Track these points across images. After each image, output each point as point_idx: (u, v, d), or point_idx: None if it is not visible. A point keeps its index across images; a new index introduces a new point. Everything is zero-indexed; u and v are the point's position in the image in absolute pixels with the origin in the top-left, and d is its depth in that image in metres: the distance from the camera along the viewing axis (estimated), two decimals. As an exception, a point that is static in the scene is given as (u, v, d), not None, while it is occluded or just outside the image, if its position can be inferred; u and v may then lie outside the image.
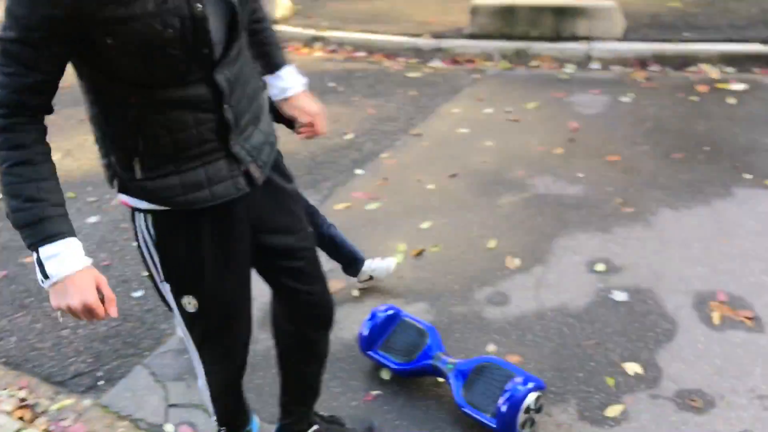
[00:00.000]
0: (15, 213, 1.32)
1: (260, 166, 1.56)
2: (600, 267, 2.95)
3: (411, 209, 3.55)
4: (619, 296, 2.77)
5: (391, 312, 2.48)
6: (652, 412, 2.23)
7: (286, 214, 1.73)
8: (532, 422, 2.15)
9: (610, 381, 2.37)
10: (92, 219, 3.67)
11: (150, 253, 1.57)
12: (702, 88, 4.68)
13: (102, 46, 1.28)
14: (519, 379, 2.13)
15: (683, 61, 5.15)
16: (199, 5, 1.31)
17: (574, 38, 5.56)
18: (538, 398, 2.13)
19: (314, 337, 1.91)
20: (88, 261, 1.36)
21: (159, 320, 2.86)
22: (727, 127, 4.09)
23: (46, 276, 1.32)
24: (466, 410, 2.18)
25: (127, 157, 1.44)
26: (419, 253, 3.17)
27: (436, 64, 5.81)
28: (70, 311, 1.34)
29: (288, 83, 1.84)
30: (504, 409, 2.07)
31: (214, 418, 1.91)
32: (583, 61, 5.42)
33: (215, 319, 1.66)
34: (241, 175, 1.52)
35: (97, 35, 1.27)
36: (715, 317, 2.60)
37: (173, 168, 1.44)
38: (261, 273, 1.78)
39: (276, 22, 6.64)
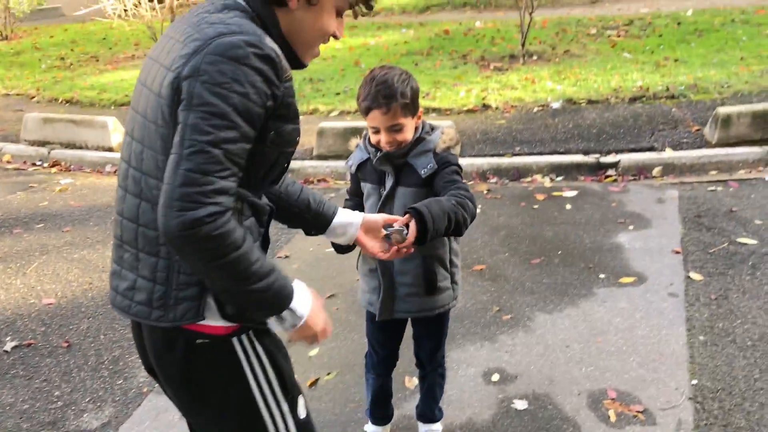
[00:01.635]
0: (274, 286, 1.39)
1: None
2: (495, 377, 3.01)
3: (295, 336, 3.43)
4: (520, 405, 2.83)
5: None
6: None
7: None
8: None
9: (534, 494, 2.38)
10: None
11: (265, 375, 1.48)
12: (540, 197, 5.10)
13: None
14: None
15: (518, 173, 5.61)
16: None
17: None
18: None
19: None
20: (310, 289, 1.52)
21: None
22: (571, 230, 4.47)
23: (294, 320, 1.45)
24: None
25: None
26: (314, 383, 3.06)
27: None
28: (316, 339, 1.53)
29: None
30: None
31: None
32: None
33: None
34: None
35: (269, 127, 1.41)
36: (612, 415, 2.72)
37: None
38: None
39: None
